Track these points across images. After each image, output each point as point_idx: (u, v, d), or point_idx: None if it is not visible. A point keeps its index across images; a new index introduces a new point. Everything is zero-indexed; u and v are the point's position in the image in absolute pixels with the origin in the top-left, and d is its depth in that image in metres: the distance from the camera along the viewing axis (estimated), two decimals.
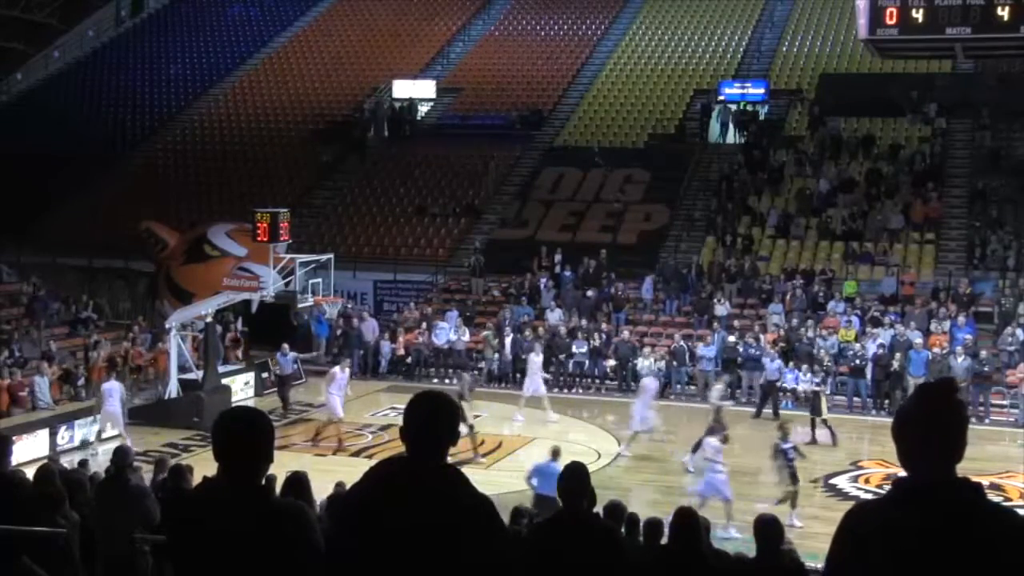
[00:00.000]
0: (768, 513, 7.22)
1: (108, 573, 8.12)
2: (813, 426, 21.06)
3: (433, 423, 3.41)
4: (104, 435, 20.00)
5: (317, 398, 24.74)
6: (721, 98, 36.32)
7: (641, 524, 8.02)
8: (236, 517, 3.34)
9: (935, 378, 21.84)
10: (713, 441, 16.26)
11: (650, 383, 21.20)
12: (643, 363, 25.16)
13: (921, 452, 2.82)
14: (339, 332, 27.70)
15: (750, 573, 6.70)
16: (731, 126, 35.50)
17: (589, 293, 28.04)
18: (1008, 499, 16.96)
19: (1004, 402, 23.82)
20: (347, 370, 21.35)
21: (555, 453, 14.35)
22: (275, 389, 24.55)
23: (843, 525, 2.86)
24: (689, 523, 6.30)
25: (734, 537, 14.10)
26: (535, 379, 22.97)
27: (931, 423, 2.83)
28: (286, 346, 23.78)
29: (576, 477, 5.27)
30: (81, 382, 24.07)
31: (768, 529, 6.65)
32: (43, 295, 27.85)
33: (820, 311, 26.47)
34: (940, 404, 2.85)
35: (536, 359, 23.29)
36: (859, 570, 2.77)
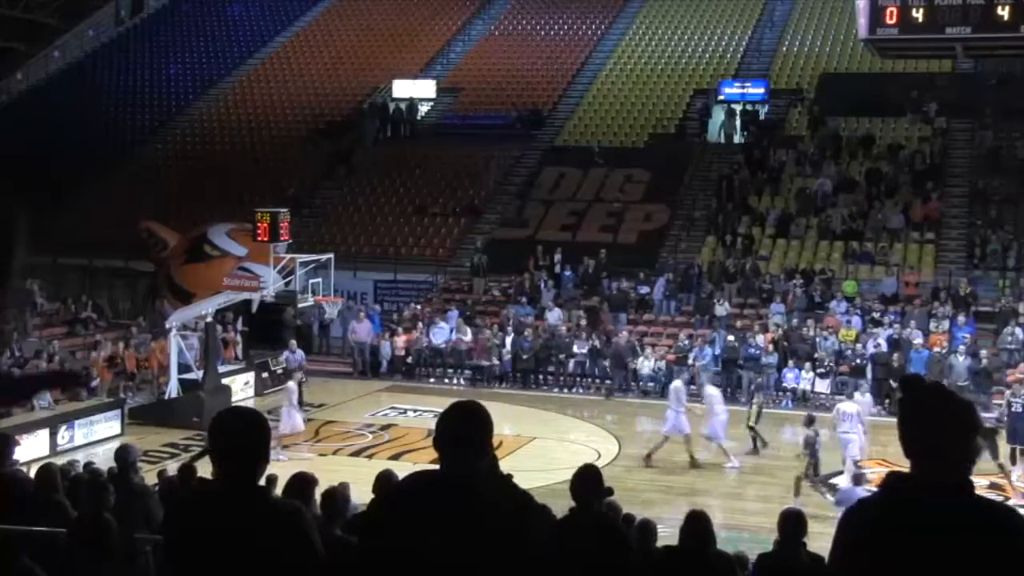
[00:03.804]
0: (793, 507, 7.16)
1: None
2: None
3: (467, 432, 3.38)
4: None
5: (318, 398, 24.77)
6: (721, 97, 36.34)
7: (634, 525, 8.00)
8: (233, 517, 3.34)
9: (936, 377, 21.93)
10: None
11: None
12: (644, 363, 25.22)
13: (908, 450, 2.85)
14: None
15: (770, 568, 6.68)
16: (734, 126, 35.47)
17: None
18: (1007, 498, 16.97)
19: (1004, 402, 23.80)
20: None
21: (857, 479, 14.30)
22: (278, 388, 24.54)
23: (841, 521, 2.88)
24: (701, 526, 6.29)
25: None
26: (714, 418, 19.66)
27: (912, 422, 2.84)
28: (294, 343, 23.76)
29: (590, 479, 5.33)
30: None
31: (792, 524, 6.60)
32: (28, 287, 27.72)
33: (820, 311, 26.47)
34: (920, 403, 2.86)
35: (714, 392, 20.21)
36: (853, 566, 2.79)
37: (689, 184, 33.24)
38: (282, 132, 39.00)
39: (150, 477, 12.70)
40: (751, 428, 20.31)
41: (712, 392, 20.02)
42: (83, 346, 25.97)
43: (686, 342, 25.59)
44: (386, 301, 30.19)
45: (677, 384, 19.97)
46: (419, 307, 29.08)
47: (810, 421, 17.64)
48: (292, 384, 20.46)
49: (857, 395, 19.87)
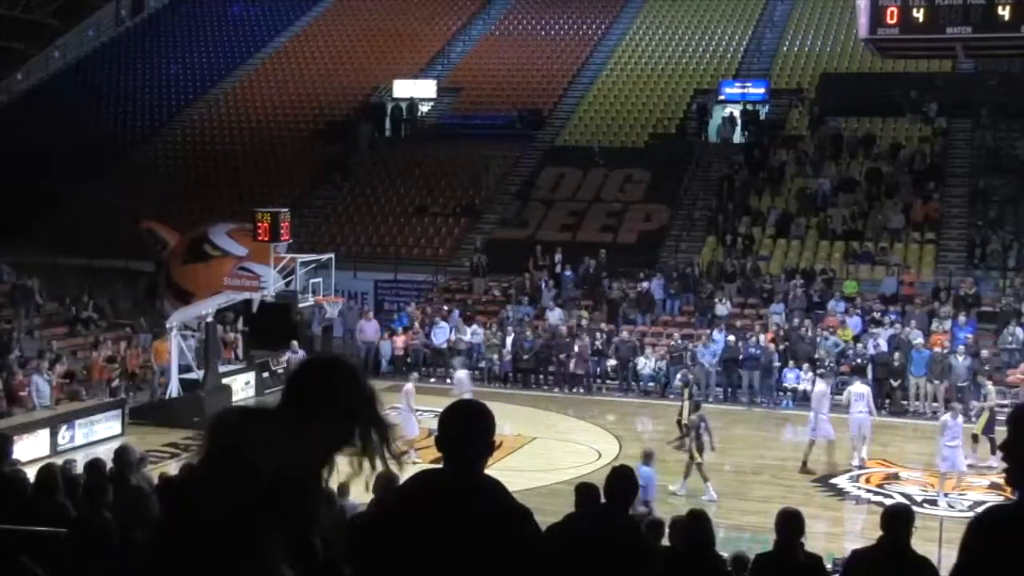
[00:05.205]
0: (791, 507, 7.15)
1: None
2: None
3: (469, 433, 3.36)
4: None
5: None
6: (721, 97, 36.34)
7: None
8: None
9: (936, 377, 21.97)
10: None
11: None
12: (643, 363, 25.21)
13: None
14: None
15: (769, 568, 6.67)
16: (736, 126, 35.45)
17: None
18: (1009, 499, 16.94)
19: (1005, 402, 23.78)
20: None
21: (647, 458, 14.62)
22: (278, 388, 24.58)
23: (972, 522, 2.86)
24: (701, 525, 6.29)
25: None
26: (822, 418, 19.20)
27: None
28: (295, 343, 23.80)
29: (624, 480, 5.32)
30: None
31: (790, 523, 6.60)
32: (27, 285, 27.67)
33: (820, 311, 26.46)
34: None
35: (823, 388, 19.52)
36: (985, 567, 2.78)
37: (689, 184, 33.24)
38: (282, 132, 39.00)
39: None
40: (679, 424, 19.92)
41: (820, 389, 19.47)
42: (84, 346, 25.95)
43: (681, 341, 25.58)
44: (386, 301, 30.17)
45: (821, 387, 19.47)
46: (444, 308, 28.99)
47: (696, 407, 18.28)
48: (410, 386, 19.84)
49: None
